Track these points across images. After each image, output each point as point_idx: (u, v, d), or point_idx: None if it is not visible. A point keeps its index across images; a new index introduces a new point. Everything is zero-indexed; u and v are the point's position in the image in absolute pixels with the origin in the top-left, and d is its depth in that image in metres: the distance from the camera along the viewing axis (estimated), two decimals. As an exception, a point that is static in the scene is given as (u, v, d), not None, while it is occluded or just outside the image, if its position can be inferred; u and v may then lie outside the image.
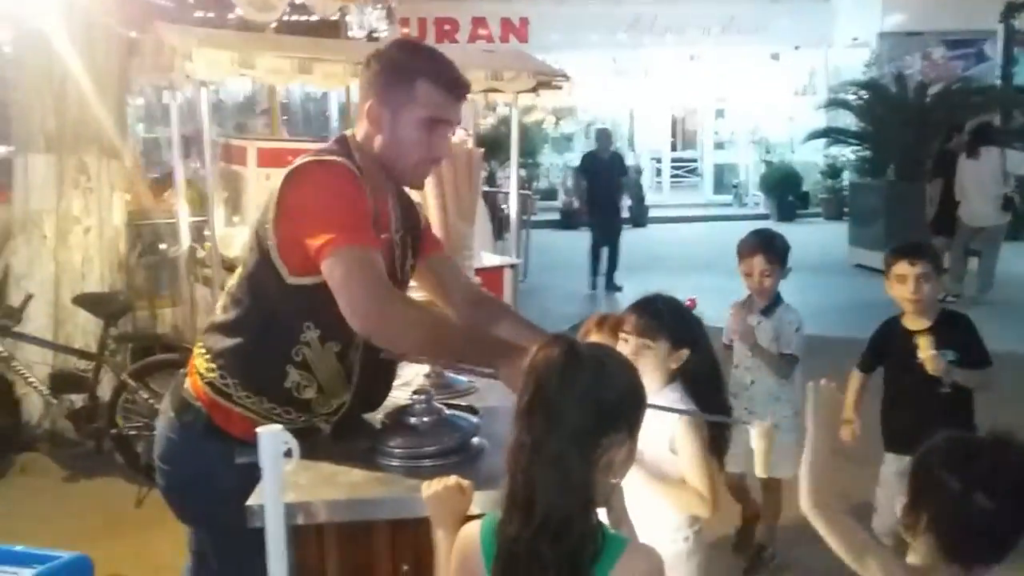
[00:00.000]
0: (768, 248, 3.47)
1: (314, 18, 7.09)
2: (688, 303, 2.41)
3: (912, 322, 3.18)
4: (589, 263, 10.17)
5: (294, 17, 7.52)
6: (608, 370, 1.45)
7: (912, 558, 1.65)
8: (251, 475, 1.62)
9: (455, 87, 2.00)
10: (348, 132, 2.08)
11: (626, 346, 2.28)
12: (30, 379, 4.70)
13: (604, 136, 10.93)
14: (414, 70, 1.95)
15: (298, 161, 1.93)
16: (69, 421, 4.80)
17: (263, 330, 1.97)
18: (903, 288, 3.12)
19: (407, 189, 2.21)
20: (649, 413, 2.26)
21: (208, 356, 2.03)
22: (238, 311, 2.01)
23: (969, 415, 3.14)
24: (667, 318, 2.30)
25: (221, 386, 2.00)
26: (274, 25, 6.86)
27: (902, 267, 3.12)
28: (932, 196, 9.34)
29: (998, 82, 14.26)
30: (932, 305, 3.15)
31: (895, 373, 3.27)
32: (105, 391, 4.76)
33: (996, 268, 9.16)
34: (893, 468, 3.18)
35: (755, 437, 1.96)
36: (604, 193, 10.18)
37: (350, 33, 6.48)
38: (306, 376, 1.97)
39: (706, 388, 2.31)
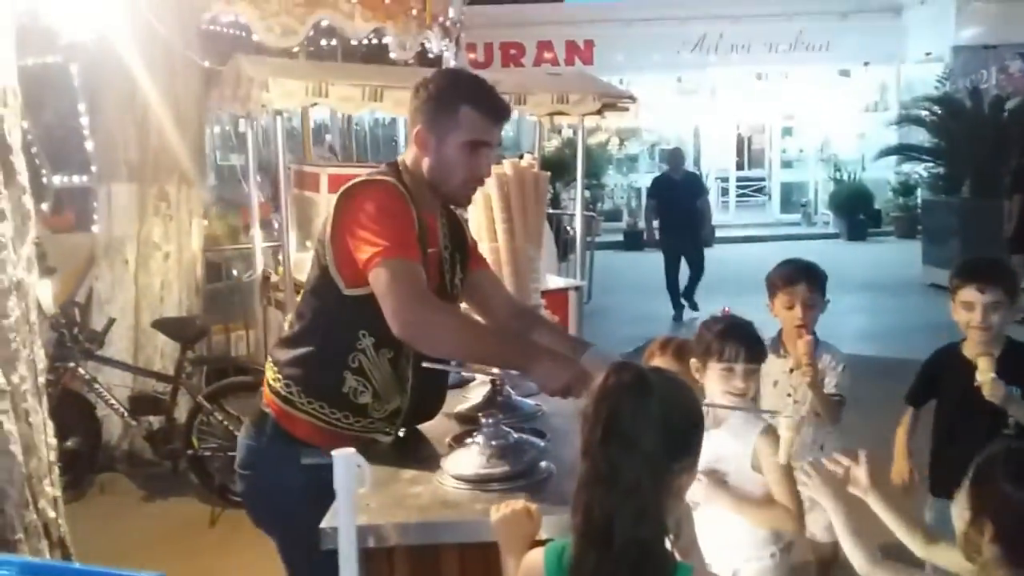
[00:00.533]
0: (812, 274, 3.07)
1: (355, 42, 7.12)
2: (724, 312, 2.56)
3: (973, 351, 2.74)
4: (668, 288, 9.82)
5: (323, 42, 7.53)
6: (677, 395, 1.46)
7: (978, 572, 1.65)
8: (317, 476, 1.72)
9: (495, 112, 2.15)
10: (399, 158, 2.24)
11: (731, 374, 2.37)
12: (110, 401, 4.85)
13: (675, 156, 10.59)
14: (457, 97, 2.10)
15: (352, 181, 2.10)
16: (147, 442, 4.95)
17: (323, 339, 2.13)
18: (969, 315, 2.71)
19: (456, 209, 2.37)
20: (727, 437, 2.31)
21: (275, 368, 2.20)
22: (301, 324, 2.19)
23: None
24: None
25: (286, 395, 2.14)
26: (306, 50, 6.95)
27: (969, 293, 2.70)
28: (1011, 212, 9.05)
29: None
30: (1000, 335, 2.74)
31: (950, 408, 2.86)
32: (181, 413, 4.90)
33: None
34: (938, 516, 2.68)
35: (783, 427, 2.14)
36: (679, 215, 9.73)
37: (392, 55, 6.55)
38: (362, 382, 2.10)
39: None
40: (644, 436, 1.40)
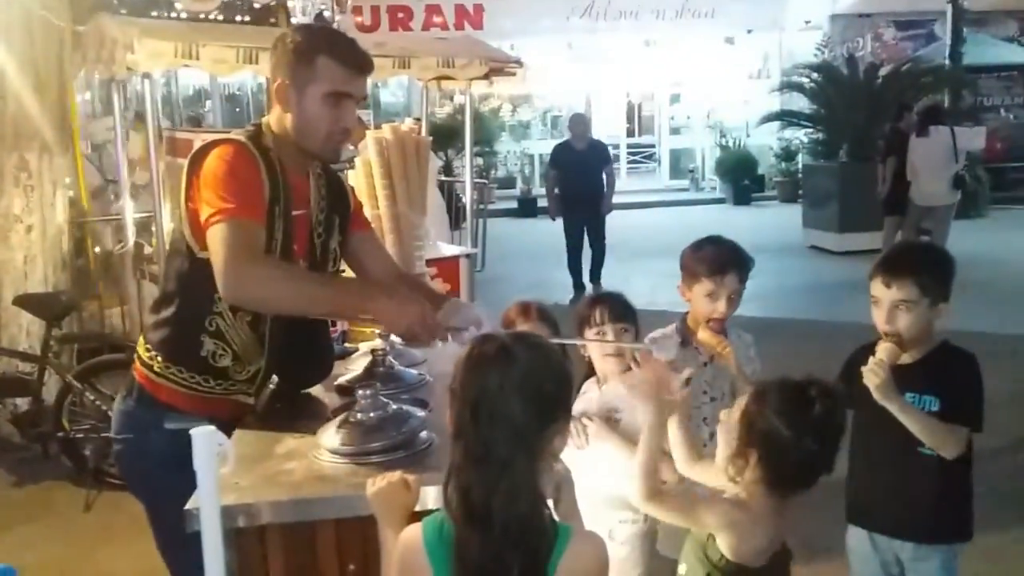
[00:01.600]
0: (744, 263, 2.65)
1: (257, 5, 6.90)
2: None
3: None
4: (568, 266, 9.03)
5: (237, 2, 7.32)
6: (542, 360, 1.43)
7: (735, 493, 1.82)
8: (183, 441, 1.62)
9: (354, 60, 2.10)
10: (263, 118, 2.19)
11: (601, 337, 2.41)
12: (-29, 384, 4.56)
13: (578, 123, 9.53)
14: (315, 48, 2.06)
15: (203, 142, 2.07)
16: (14, 425, 4.68)
17: (180, 303, 2.10)
18: (876, 313, 2.28)
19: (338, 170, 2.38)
20: (621, 387, 2.33)
21: (144, 335, 2.19)
22: (164, 288, 2.18)
23: (963, 487, 2.32)
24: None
25: (147, 359, 2.14)
26: (220, 17, 6.71)
27: (876, 287, 2.27)
28: (885, 175, 9.44)
29: (947, 62, 14.44)
30: (921, 339, 2.27)
31: (862, 421, 2.35)
32: (50, 394, 4.64)
33: (946, 247, 9.29)
34: (858, 545, 2.45)
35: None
36: (583, 186, 8.84)
37: (293, 20, 6.35)
38: (220, 345, 2.08)
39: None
40: (514, 409, 1.36)
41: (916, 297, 2.21)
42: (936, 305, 2.23)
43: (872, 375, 2.13)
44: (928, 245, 2.52)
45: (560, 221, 9.14)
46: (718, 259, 2.62)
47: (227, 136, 2.09)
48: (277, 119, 2.13)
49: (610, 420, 2.41)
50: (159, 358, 2.11)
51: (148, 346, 2.14)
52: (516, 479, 1.36)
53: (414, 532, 1.47)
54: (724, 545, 1.80)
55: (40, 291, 5.06)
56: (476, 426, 1.38)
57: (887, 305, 2.23)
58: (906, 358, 2.25)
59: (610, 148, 20.51)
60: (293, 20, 6.27)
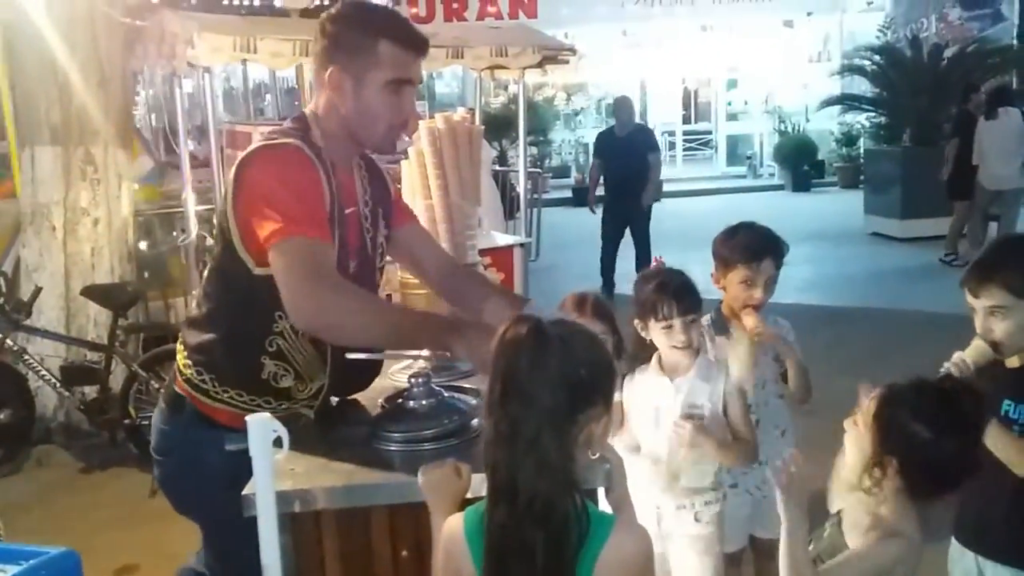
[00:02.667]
0: (778, 248, 2.64)
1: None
2: (656, 262, 2.49)
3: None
4: (602, 262, 8.55)
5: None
6: (576, 346, 1.42)
7: (880, 509, 1.73)
8: (242, 463, 1.60)
9: (416, 43, 1.95)
10: (306, 109, 2.03)
11: (672, 330, 2.34)
12: (42, 372, 4.71)
13: (622, 107, 8.82)
14: (375, 31, 1.89)
15: (251, 147, 1.91)
16: (82, 413, 4.83)
17: (234, 323, 1.94)
18: (976, 321, 2.10)
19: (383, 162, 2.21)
20: (698, 381, 2.37)
21: (185, 352, 2.02)
22: (209, 305, 1.99)
23: None
24: (695, 294, 2.37)
25: (198, 383, 1.97)
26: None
27: (968, 297, 2.10)
28: (948, 156, 9.20)
29: (1014, 42, 13.99)
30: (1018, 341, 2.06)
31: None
32: (117, 382, 4.78)
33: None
34: (959, 561, 2.26)
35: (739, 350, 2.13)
36: (625, 175, 8.32)
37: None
38: (282, 366, 1.94)
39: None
40: (542, 390, 1.36)
41: (1008, 302, 2.00)
42: None
43: (953, 370, 1.99)
44: (1019, 240, 2.37)
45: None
46: (753, 245, 2.59)
47: (279, 139, 1.90)
48: (326, 108, 1.96)
49: (692, 418, 2.35)
50: (214, 381, 1.96)
51: (198, 368, 1.97)
52: (542, 457, 1.35)
53: (457, 520, 1.49)
54: None
55: (107, 282, 5.19)
56: (505, 404, 1.38)
57: (982, 314, 2.05)
58: (1014, 361, 2.08)
59: (665, 135, 20.55)
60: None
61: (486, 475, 1.42)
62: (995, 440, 1.92)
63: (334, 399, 2.12)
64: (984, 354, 2.01)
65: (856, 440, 1.77)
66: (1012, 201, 8.85)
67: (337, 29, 1.91)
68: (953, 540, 2.28)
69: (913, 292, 7.88)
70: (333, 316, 1.76)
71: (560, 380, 1.37)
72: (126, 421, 4.65)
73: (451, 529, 1.49)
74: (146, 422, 4.61)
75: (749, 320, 2.53)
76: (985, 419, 1.74)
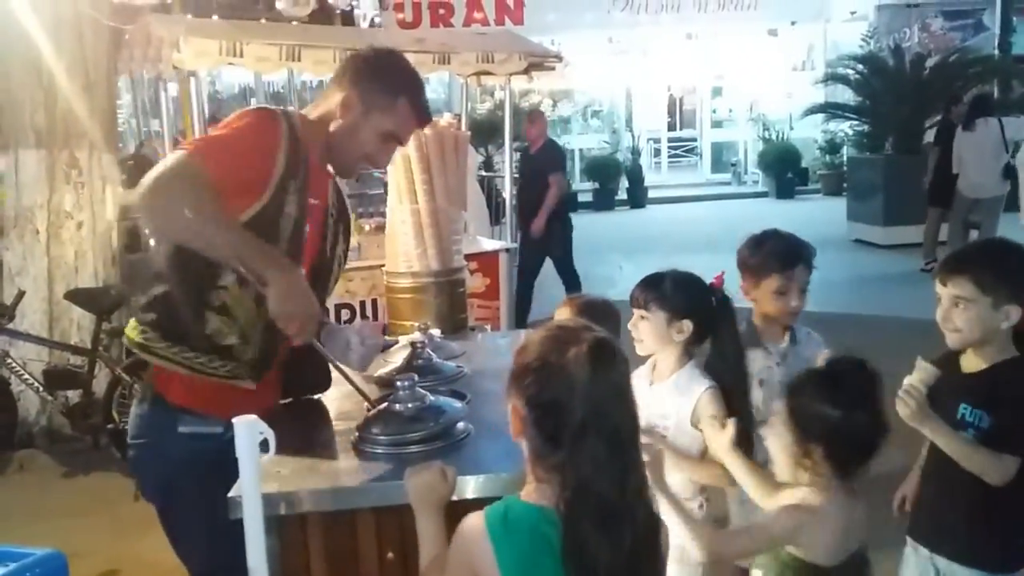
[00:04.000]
0: (809, 252, 2.58)
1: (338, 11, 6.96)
2: (715, 281, 2.34)
3: (967, 359, 2.16)
4: (517, 293, 6.83)
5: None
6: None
7: (803, 497, 1.84)
8: (198, 446, 1.76)
9: (425, 117, 2.17)
10: (306, 109, 2.19)
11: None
12: (24, 376, 4.69)
13: (534, 120, 7.93)
14: (402, 85, 2.09)
15: None
16: (65, 417, 4.80)
17: (180, 279, 1.96)
18: (939, 311, 2.13)
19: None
20: (673, 392, 2.31)
21: (135, 318, 2.06)
22: (158, 262, 2.02)
23: (1009, 513, 2.07)
24: (666, 289, 2.28)
25: (142, 341, 2.00)
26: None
27: (937, 285, 2.13)
28: (930, 165, 9.34)
29: (996, 52, 14.15)
30: (986, 343, 2.09)
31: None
32: (101, 386, 4.76)
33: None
34: (913, 560, 2.26)
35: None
36: (530, 199, 7.38)
37: (279, 7, 6.43)
38: (226, 322, 1.97)
39: (724, 368, 2.29)
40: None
41: (973, 295, 2.03)
42: (1001, 306, 2.03)
43: (903, 405, 1.96)
44: (1001, 242, 2.29)
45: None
46: (786, 252, 2.54)
47: (264, 105, 2.08)
48: (321, 118, 2.12)
49: (655, 433, 2.29)
50: (160, 337, 1.98)
51: (144, 328, 1.99)
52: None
53: (476, 521, 1.47)
54: (796, 550, 1.83)
55: (90, 286, 5.17)
56: (585, 437, 1.40)
57: (946, 303, 2.09)
58: (972, 365, 2.12)
59: (651, 142, 20.57)
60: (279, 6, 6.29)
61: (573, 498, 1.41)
62: (941, 441, 2.00)
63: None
64: (931, 375, 2.00)
65: (778, 442, 1.87)
66: (991, 209, 8.94)
67: (378, 66, 2.11)
68: (908, 540, 2.30)
69: (895, 298, 7.95)
70: (164, 199, 1.83)
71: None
72: (109, 426, 4.63)
73: (471, 528, 1.47)
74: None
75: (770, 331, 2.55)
76: (879, 384, 1.83)
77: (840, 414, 1.78)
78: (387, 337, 3.03)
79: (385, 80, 2.08)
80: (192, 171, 1.85)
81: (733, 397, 2.10)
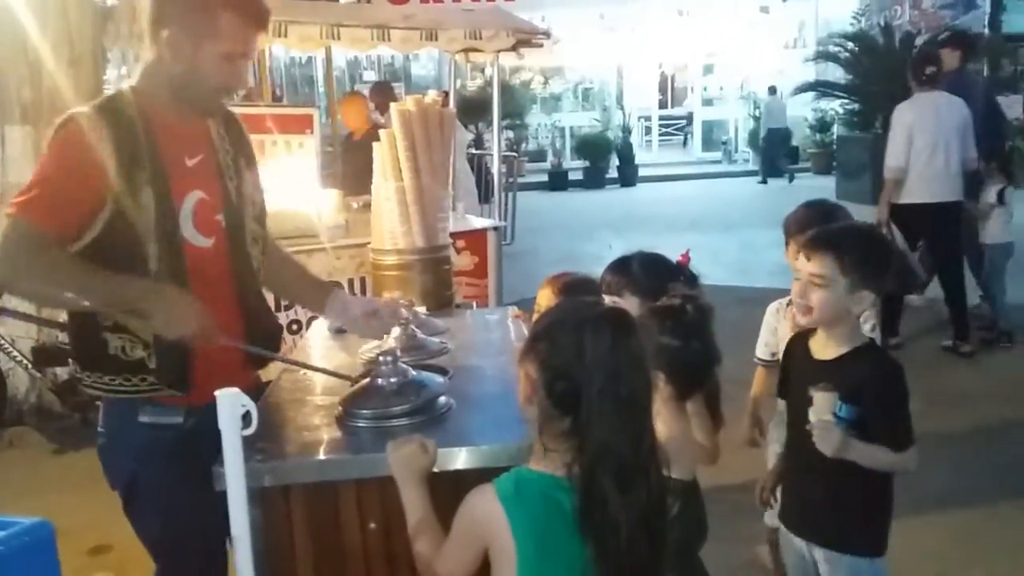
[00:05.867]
0: (838, 218, 2.54)
1: None
2: (680, 259, 2.35)
3: (817, 343, 2.17)
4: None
5: None
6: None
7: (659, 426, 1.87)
8: (157, 436, 1.81)
9: (259, 18, 1.96)
10: (145, 65, 1.99)
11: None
12: (13, 354, 4.70)
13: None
14: (218, 2, 1.90)
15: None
16: (54, 394, 4.82)
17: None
18: (795, 287, 2.15)
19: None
20: None
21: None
22: None
23: (874, 498, 2.11)
24: (636, 273, 2.29)
25: (75, 372, 2.02)
26: None
27: (800, 262, 2.13)
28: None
29: (986, 30, 14.15)
30: (836, 325, 2.10)
31: (791, 415, 2.25)
32: (90, 362, 4.76)
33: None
34: (790, 546, 2.28)
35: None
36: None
37: None
38: (124, 339, 1.90)
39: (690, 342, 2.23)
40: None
41: (832, 275, 2.03)
42: (856, 291, 2.03)
43: (823, 441, 1.96)
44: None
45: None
46: (806, 217, 2.58)
47: (72, 112, 1.89)
48: (155, 69, 1.94)
49: None
50: (80, 368, 1.96)
51: (71, 359, 2.00)
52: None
53: (486, 491, 1.50)
54: (674, 471, 1.89)
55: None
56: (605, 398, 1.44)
57: (804, 279, 2.08)
58: (823, 351, 2.14)
59: (642, 120, 20.52)
60: None
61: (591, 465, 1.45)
62: (870, 458, 2.00)
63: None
64: (831, 401, 1.97)
65: None
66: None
67: None
68: (782, 527, 2.31)
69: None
70: (26, 277, 1.86)
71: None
72: (98, 402, 4.64)
73: (481, 500, 1.50)
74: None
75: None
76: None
77: (679, 343, 1.98)
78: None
79: (197, 3, 1.90)
80: (24, 237, 1.81)
81: (702, 372, 2.09)
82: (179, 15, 1.89)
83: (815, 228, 2.30)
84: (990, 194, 5.78)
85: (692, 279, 2.30)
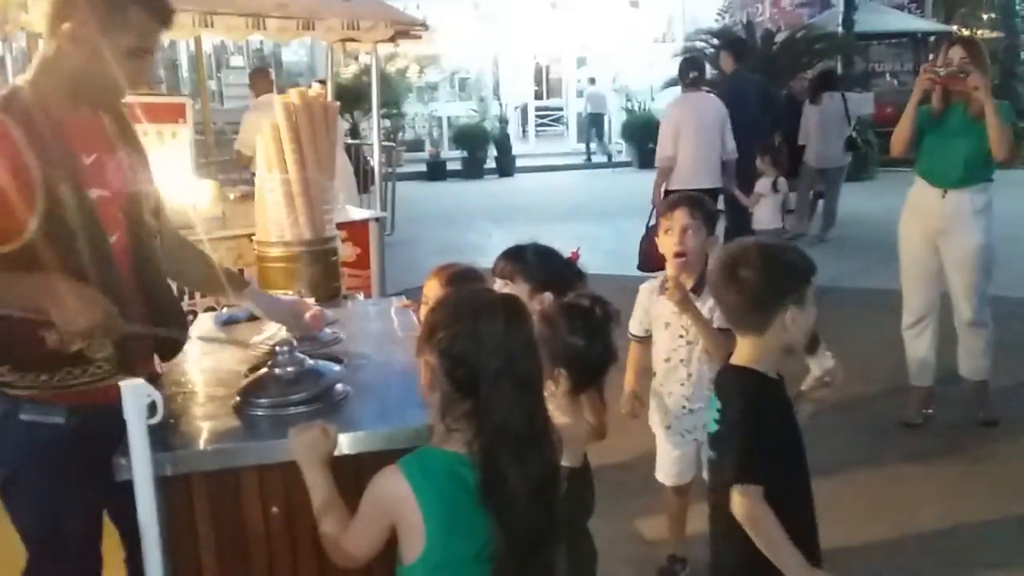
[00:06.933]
0: (696, 201, 3.00)
1: None
2: (571, 255, 2.53)
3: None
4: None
5: None
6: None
7: (556, 413, 2.05)
8: (37, 436, 1.83)
9: (165, 16, 1.95)
10: (40, 56, 1.95)
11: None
12: None
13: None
14: None
15: None
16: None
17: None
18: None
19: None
20: None
21: None
22: None
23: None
24: (529, 261, 2.44)
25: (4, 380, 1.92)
26: None
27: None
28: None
29: (840, 29, 14.98)
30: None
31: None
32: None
33: (838, 207, 9.77)
34: None
35: None
36: None
37: None
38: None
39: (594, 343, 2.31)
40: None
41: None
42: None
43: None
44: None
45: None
46: (673, 199, 3.04)
47: None
48: (55, 59, 1.90)
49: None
50: (12, 371, 1.90)
51: None
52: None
53: (392, 472, 1.58)
54: (565, 458, 1.99)
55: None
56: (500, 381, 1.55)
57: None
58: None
59: (518, 110, 20.73)
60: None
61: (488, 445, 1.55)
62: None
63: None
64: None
65: None
66: (834, 179, 9.58)
67: None
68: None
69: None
70: None
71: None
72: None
73: (388, 480, 1.57)
74: None
75: (669, 269, 2.92)
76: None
77: (583, 342, 2.11)
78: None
79: None
80: None
81: (600, 371, 2.20)
82: (84, 8, 1.85)
83: (683, 203, 2.93)
84: (763, 184, 6.61)
85: (580, 274, 2.49)
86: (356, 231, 5.45)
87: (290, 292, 2.70)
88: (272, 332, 2.46)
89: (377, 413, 1.98)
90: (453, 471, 1.57)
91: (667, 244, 2.92)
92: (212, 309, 4.06)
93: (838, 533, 2.86)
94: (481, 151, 17.40)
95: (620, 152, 18.85)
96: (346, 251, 5.24)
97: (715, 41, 12.99)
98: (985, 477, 3.88)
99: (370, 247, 5.50)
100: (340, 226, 4.90)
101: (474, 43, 18.89)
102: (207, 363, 2.38)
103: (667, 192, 6.25)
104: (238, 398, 1.97)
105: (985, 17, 18.49)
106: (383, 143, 7.72)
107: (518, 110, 20.94)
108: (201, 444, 1.79)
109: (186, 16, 4.84)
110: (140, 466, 1.54)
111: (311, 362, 2.06)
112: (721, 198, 6.64)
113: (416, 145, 18.39)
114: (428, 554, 1.55)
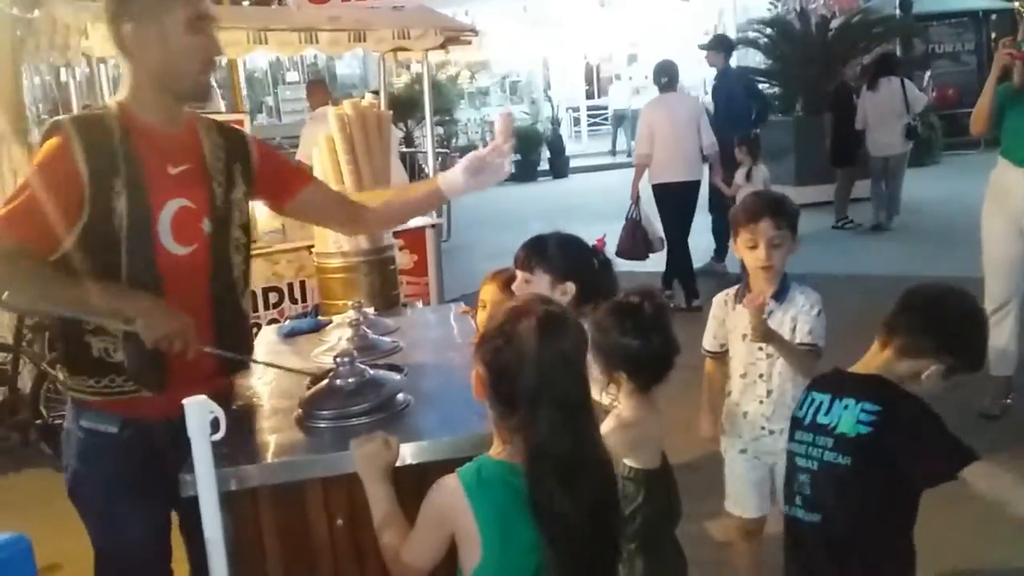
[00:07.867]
0: (780, 209, 2.66)
1: None
2: (597, 243, 2.42)
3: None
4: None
5: None
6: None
7: (617, 414, 2.09)
8: (94, 443, 1.89)
9: None
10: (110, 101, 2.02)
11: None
12: (-51, 376, 4.59)
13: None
14: None
15: None
16: (-8, 416, 4.72)
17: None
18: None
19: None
20: None
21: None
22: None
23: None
24: (550, 251, 2.31)
25: (64, 380, 2.04)
26: None
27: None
28: (827, 129, 9.80)
29: (897, 11, 14.61)
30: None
31: None
32: (26, 383, 4.68)
33: (901, 194, 9.52)
34: None
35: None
36: None
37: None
38: (106, 340, 1.93)
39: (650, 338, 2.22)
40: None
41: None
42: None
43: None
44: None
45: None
46: (750, 206, 2.69)
47: (51, 129, 1.91)
48: (134, 78, 1.94)
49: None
50: (66, 373, 2.01)
51: (60, 366, 2.02)
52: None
53: (450, 480, 1.58)
54: (632, 461, 2.05)
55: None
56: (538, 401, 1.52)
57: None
58: None
59: (570, 111, 20.66)
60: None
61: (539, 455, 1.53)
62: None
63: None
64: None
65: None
66: (896, 166, 9.32)
67: None
68: None
69: (808, 255, 8.25)
70: (5, 289, 1.89)
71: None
72: (37, 421, 4.57)
73: (446, 488, 1.57)
74: (59, 420, 4.54)
75: (754, 284, 2.66)
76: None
77: (638, 342, 2.03)
78: (320, 317, 3.09)
79: None
80: (2, 250, 1.81)
81: (663, 365, 2.11)
82: (126, 11, 1.89)
83: (766, 213, 2.60)
84: (740, 174, 7.02)
85: (606, 263, 2.38)
86: (413, 239, 5.48)
87: (350, 303, 2.70)
88: (333, 343, 2.47)
89: (439, 422, 1.97)
90: (507, 480, 1.54)
91: (751, 258, 2.64)
92: (275, 321, 4.11)
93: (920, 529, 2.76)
94: (534, 153, 17.36)
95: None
96: (404, 259, 5.27)
97: (768, 31, 12.76)
98: (1071, 469, 3.72)
99: (427, 254, 5.53)
100: (397, 234, 4.94)
101: (524, 46, 18.88)
102: (270, 375, 2.39)
103: (655, 187, 6.88)
104: (300, 410, 1.97)
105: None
106: (437, 150, 7.75)
107: (570, 111, 20.85)
108: (266, 458, 1.79)
109: (240, 33, 4.91)
110: (205, 482, 1.55)
111: (372, 372, 2.06)
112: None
113: (469, 150, 18.28)
114: (485, 564, 1.54)
